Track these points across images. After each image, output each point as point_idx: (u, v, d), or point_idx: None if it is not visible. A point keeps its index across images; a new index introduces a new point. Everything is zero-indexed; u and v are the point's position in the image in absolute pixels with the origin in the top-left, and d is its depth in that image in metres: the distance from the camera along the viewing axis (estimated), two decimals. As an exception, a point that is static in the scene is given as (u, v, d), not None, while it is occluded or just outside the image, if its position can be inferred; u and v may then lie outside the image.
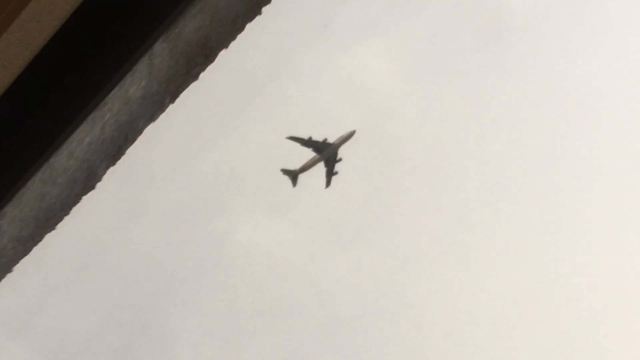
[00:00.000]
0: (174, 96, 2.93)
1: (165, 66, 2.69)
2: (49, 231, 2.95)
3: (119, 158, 3.00)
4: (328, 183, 56.10)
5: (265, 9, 3.12)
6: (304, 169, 56.05)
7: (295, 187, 57.22)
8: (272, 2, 3.09)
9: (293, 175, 56.38)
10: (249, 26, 3.12)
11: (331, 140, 54.42)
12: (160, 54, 2.70)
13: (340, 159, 54.85)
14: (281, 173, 57.03)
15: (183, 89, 3.01)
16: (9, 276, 2.79)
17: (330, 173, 55.94)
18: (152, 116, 2.87)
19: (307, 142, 54.13)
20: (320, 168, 55.67)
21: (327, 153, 54.46)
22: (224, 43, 2.98)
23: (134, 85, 2.71)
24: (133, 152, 2.90)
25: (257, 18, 3.12)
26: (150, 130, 2.98)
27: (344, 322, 63.19)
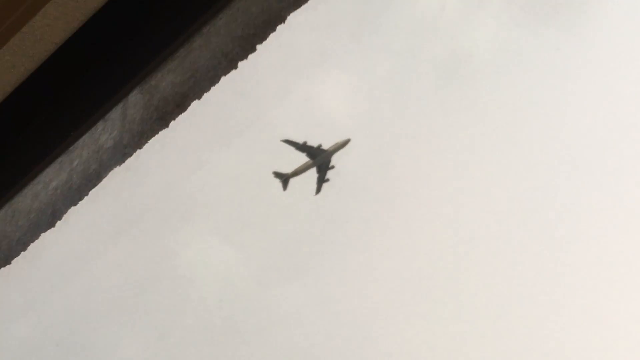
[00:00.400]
0: (143, 145, 2.92)
1: (139, 118, 2.68)
2: (4, 265, 2.92)
3: (82, 200, 2.97)
4: (318, 190, 55.93)
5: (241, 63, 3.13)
6: (296, 173, 56.01)
7: (285, 191, 57.54)
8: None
9: (284, 179, 56.53)
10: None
11: (326, 146, 55.09)
12: (134, 105, 2.69)
13: (332, 167, 55.05)
14: (273, 176, 57.45)
15: (152, 137, 2.99)
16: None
17: (321, 180, 55.78)
18: (120, 165, 2.85)
19: (301, 147, 54.37)
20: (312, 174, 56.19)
21: (320, 159, 54.37)
22: (198, 95, 2.98)
23: (105, 133, 2.69)
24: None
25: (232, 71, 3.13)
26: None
27: (285, 352, 62.99)
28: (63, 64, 2.76)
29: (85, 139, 2.73)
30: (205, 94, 3.07)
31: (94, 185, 2.82)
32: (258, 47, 3.02)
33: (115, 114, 2.72)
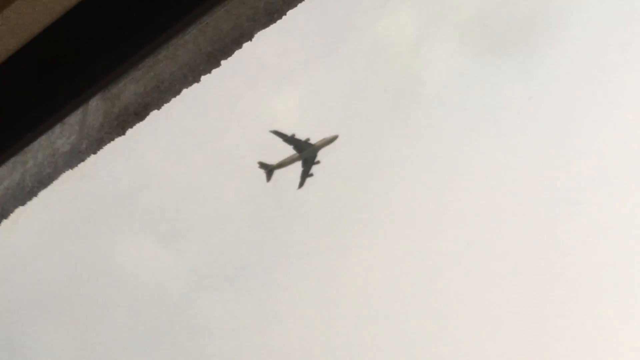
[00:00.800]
0: (98, 151, 2.88)
1: (99, 125, 2.65)
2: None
3: (30, 200, 2.93)
4: (301, 184, 55.59)
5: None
6: (281, 165, 55.64)
7: (268, 183, 57.07)
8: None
9: (269, 170, 56.12)
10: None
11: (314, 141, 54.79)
12: (95, 111, 2.65)
13: (318, 162, 54.91)
14: (258, 166, 56.92)
15: (108, 144, 2.96)
16: None
17: (305, 174, 55.34)
18: (72, 169, 2.81)
19: (290, 139, 54.03)
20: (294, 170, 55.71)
21: (306, 153, 53.94)
22: (159, 105, 2.95)
23: (62, 137, 2.65)
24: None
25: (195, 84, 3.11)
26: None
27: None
28: (23, 66, 2.72)
29: (41, 141, 2.69)
30: (164, 105, 3.04)
31: (45, 187, 2.77)
32: (222, 62, 3.01)
33: (74, 118, 2.68)
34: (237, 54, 3.10)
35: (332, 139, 55.16)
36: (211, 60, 2.72)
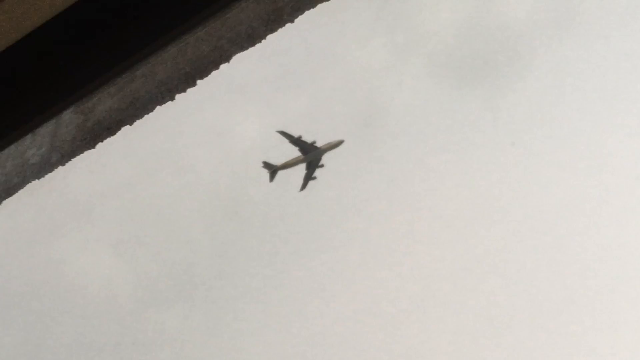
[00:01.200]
0: (66, 163, 2.85)
1: (71, 138, 2.61)
2: None
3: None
4: (304, 186, 55.35)
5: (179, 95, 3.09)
6: (286, 166, 55.41)
7: (271, 183, 56.82)
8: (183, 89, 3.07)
9: (272, 171, 55.86)
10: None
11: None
12: (68, 124, 2.61)
13: (322, 165, 54.75)
14: (262, 166, 56.73)
15: (77, 157, 2.92)
16: None
17: (309, 177, 55.24)
18: (41, 179, 2.77)
19: (296, 141, 53.83)
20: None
21: (311, 155, 53.77)
22: (131, 122, 2.92)
23: (32, 148, 2.61)
24: None
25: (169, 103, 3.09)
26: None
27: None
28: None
29: (11, 150, 2.64)
30: (137, 121, 3.01)
31: (10, 196, 2.73)
32: (198, 82, 2.99)
33: (45, 129, 2.64)
34: (214, 74, 3.08)
35: (337, 143, 55.16)
36: (188, 79, 2.70)
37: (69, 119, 2.65)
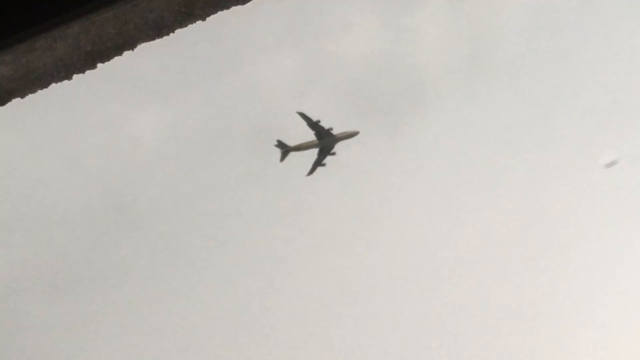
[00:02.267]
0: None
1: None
2: None
3: None
4: (312, 171, 55.51)
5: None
6: (298, 148, 55.49)
7: (281, 163, 56.91)
8: (82, 66, 2.99)
9: (285, 151, 56.02)
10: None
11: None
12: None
13: (334, 153, 55.00)
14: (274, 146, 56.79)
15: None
16: None
17: (318, 163, 55.34)
18: None
19: (313, 125, 54.32)
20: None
21: (326, 142, 54.66)
22: (23, 94, 2.82)
23: None
24: None
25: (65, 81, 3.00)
26: None
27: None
28: None
29: None
30: (29, 95, 2.92)
31: None
32: (99, 65, 2.91)
33: None
34: (116, 60, 3.00)
35: (353, 134, 55.87)
36: (88, 60, 2.62)
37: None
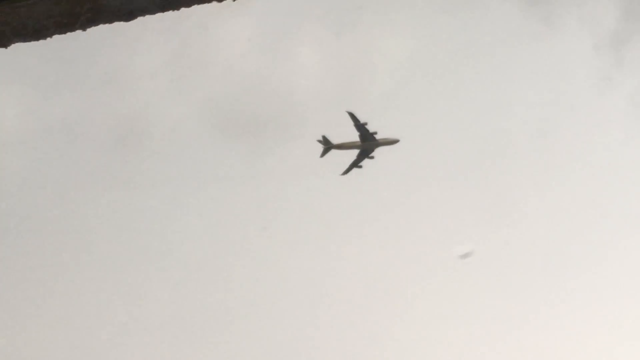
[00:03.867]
0: None
1: None
2: None
3: None
4: (347, 171, 57.37)
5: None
6: (340, 147, 57.22)
7: (321, 158, 58.07)
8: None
9: (327, 147, 57.47)
10: None
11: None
12: None
13: (372, 157, 56.06)
14: (318, 142, 57.78)
15: None
16: None
17: (355, 164, 57.24)
18: None
19: (359, 126, 56.13)
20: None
21: (368, 144, 55.70)
22: None
23: None
24: None
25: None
26: None
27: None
28: None
29: None
30: None
31: None
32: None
33: None
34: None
35: (394, 141, 58.03)
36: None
37: None
